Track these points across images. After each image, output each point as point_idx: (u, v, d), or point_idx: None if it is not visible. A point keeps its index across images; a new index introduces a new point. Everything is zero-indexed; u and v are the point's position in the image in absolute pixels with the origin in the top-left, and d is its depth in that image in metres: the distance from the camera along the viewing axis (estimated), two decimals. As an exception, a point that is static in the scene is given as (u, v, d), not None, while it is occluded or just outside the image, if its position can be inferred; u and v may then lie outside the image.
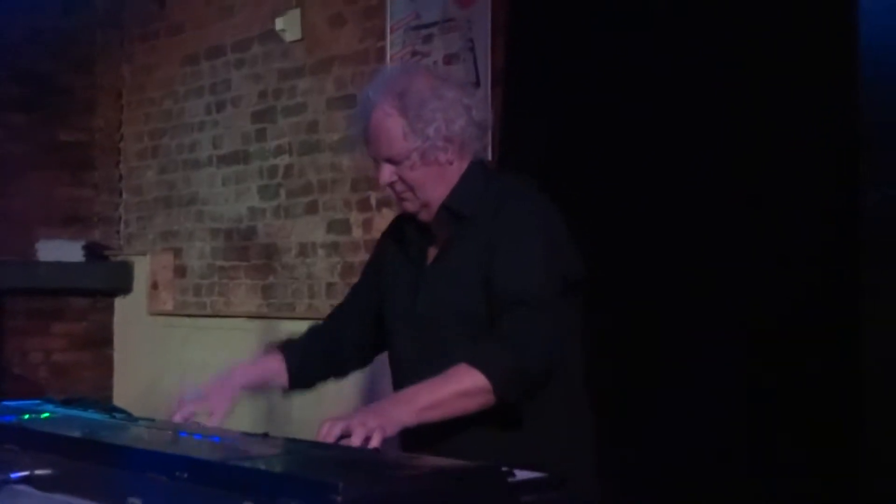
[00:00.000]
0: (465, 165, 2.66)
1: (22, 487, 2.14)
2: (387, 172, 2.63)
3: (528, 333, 2.45)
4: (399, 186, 2.64)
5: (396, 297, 2.74)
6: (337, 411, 2.53)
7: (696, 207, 3.85)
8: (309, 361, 2.86)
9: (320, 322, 2.99)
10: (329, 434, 2.28)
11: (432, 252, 2.71)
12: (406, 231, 2.79)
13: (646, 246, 3.95)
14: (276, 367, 2.84)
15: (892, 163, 3.37)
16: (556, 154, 4.17)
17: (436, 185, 2.63)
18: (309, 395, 3.20)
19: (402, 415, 2.38)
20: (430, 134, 2.57)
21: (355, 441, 2.24)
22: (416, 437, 2.49)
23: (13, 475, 2.14)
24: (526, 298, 2.47)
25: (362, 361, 2.97)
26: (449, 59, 4.83)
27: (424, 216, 2.68)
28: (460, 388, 2.41)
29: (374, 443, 2.25)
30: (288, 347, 2.89)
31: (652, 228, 3.95)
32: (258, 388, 2.83)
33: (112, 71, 7.00)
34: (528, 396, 2.48)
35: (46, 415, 2.59)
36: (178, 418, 2.67)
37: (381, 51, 5.20)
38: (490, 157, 4.44)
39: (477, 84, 4.61)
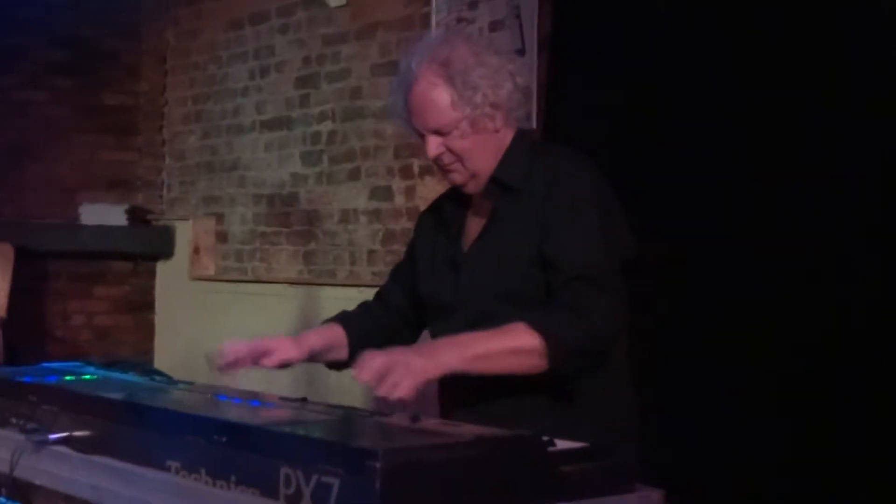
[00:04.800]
0: (510, 134, 2.62)
1: (61, 448, 2.14)
2: (434, 144, 2.58)
3: (591, 309, 2.39)
4: (447, 158, 2.59)
5: (437, 277, 2.71)
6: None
7: (741, 176, 3.81)
8: (366, 335, 2.80)
9: (371, 300, 2.94)
10: (367, 369, 2.24)
11: (473, 229, 2.66)
12: (445, 209, 2.75)
13: (691, 219, 3.91)
14: (339, 337, 2.79)
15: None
16: (601, 123, 4.12)
17: (484, 153, 2.58)
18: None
19: (452, 358, 2.33)
20: (478, 101, 2.52)
21: (389, 379, 2.21)
22: (453, 402, 2.46)
23: (52, 436, 2.15)
24: (588, 273, 2.42)
25: (413, 338, 2.92)
26: (494, 26, 4.79)
27: (472, 188, 2.63)
28: (515, 345, 2.36)
29: (405, 388, 2.22)
30: (346, 320, 2.83)
31: (695, 201, 3.91)
32: (322, 354, 2.78)
33: (156, 35, 7.02)
34: (584, 371, 2.44)
35: (87, 377, 2.59)
36: (241, 352, 2.60)
37: (426, 17, 5.17)
38: (535, 125, 4.41)
39: (522, 51, 4.57)
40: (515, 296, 2.51)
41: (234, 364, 2.60)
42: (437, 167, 2.66)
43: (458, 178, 2.62)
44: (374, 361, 2.26)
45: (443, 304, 2.65)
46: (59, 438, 2.15)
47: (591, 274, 2.42)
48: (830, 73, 3.59)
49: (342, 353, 2.78)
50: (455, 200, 2.71)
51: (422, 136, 2.60)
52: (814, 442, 3.55)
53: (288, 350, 2.65)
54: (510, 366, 2.37)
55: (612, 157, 3.57)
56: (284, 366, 2.67)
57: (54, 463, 2.15)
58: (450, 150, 2.56)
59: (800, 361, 3.63)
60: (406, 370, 2.24)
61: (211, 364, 2.62)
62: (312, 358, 2.73)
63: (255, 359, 2.63)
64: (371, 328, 2.82)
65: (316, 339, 2.75)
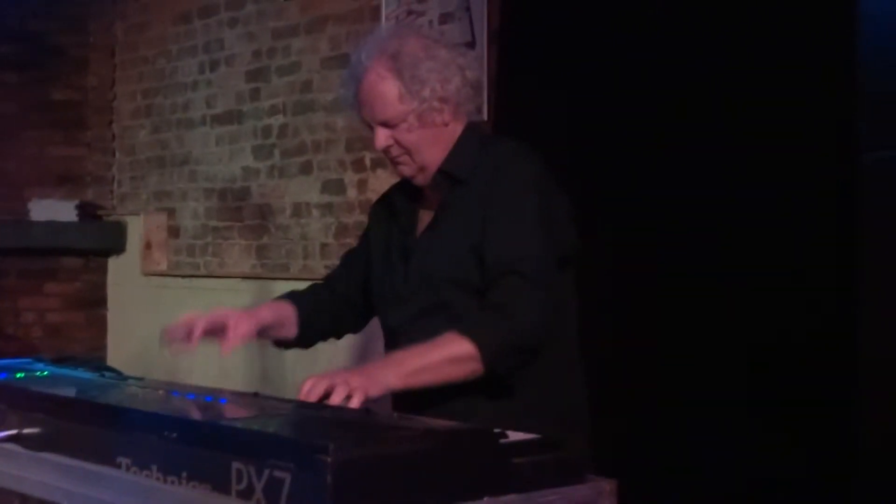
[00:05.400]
0: (460, 127, 2.63)
1: (9, 446, 2.13)
2: (382, 136, 2.59)
3: (521, 304, 2.42)
4: (395, 150, 2.61)
5: (388, 266, 2.72)
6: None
7: (690, 168, 3.83)
8: (315, 315, 2.83)
9: (319, 283, 2.96)
10: (312, 392, 2.26)
11: (424, 219, 2.68)
12: (396, 200, 2.76)
13: (640, 215, 3.93)
14: (289, 314, 2.80)
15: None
16: (552, 116, 4.14)
17: (432, 147, 2.59)
18: (303, 357, 3.18)
19: (389, 377, 2.36)
20: (426, 95, 2.54)
21: (335, 399, 2.22)
22: (407, 403, 2.47)
23: (0, 434, 2.13)
24: (519, 268, 2.44)
25: (357, 325, 2.95)
26: (444, 19, 4.79)
27: (420, 180, 2.64)
28: (449, 354, 2.39)
29: (355, 403, 2.23)
30: (296, 298, 2.85)
31: (648, 195, 3.93)
32: (273, 329, 2.78)
33: (104, 29, 6.96)
34: (517, 367, 2.46)
35: (38, 374, 2.57)
36: (202, 327, 2.59)
37: (376, 9, 5.16)
38: (485, 118, 4.41)
39: (472, 44, 4.57)
40: (465, 284, 2.53)
41: (189, 339, 2.59)
42: (387, 158, 2.68)
43: (406, 170, 2.63)
44: (317, 387, 2.27)
45: (395, 293, 2.67)
46: (7, 436, 2.13)
47: (521, 267, 2.44)
48: (788, 71, 3.61)
49: (291, 331, 2.80)
50: (406, 191, 2.73)
51: (371, 128, 2.61)
52: (767, 432, 3.58)
53: (240, 325, 2.63)
54: (449, 375, 2.40)
55: (562, 151, 3.59)
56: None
57: (3, 461, 2.13)
58: (398, 143, 2.58)
59: (754, 352, 3.67)
60: (348, 388, 2.26)
61: (165, 342, 2.61)
62: (262, 333, 2.73)
63: (210, 333, 2.61)
64: (320, 309, 2.84)
65: (267, 313, 2.76)
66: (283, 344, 2.86)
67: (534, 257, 2.46)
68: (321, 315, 2.84)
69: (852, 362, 3.21)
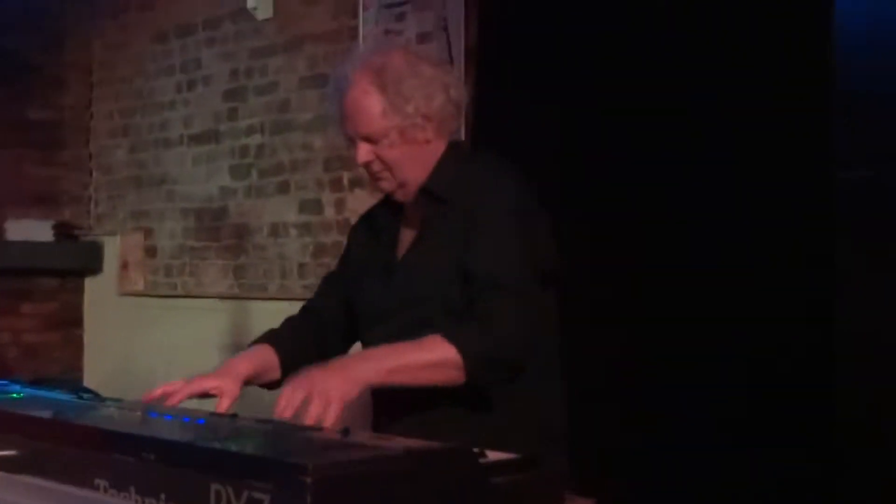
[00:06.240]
0: (441, 145, 2.63)
1: (-14, 469, 2.12)
2: (363, 151, 2.59)
3: (504, 319, 2.41)
4: (376, 166, 2.60)
5: (370, 284, 2.71)
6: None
7: (670, 184, 3.85)
8: (298, 352, 2.79)
9: (296, 314, 2.93)
10: (287, 408, 2.25)
11: (406, 238, 2.68)
12: (378, 218, 2.76)
13: (621, 230, 3.94)
14: (270, 360, 2.76)
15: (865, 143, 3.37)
16: (529, 133, 4.15)
17: (413, 164, 2.59)
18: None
19: (368, 373, 2.35)
20: (410, 111, 2.54)
21: (312, 412, 2.21)
22: (386, 410, 2.46)
23: (-23, 456, 2.11)
24: (501, 283, 2.44)
25: (344, 348, 2.92)
26: (422, 38, 4.80)
27: (401, 196, 2.64)
28: (431, 357, 2.38)
29: (331, 417, 2.22)
30: (276, 340, 2.81)
31: (627, 211, 3.94)
32: (255, 380, 2.75)
33: (81, 48, 6.94)
34: (497, 381, 2.46)
35: (14, 395, 2.56)
36: (184, 394, 2.57)
37: (354, 29, 5.17)
38: (462, 137, 4.42)
39: (450, 62, 4.58)
40: (447, 304, 2.52)
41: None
42: (368, 174, 2.67)
43: (386, 185, 2.63)
44: (292, 397, 2.26)
45: (376, 312, 2.66)
46: (-16, 459, 2.11)
47: (503, 283, 2.44)
48: (766, 93, 3.64)
49: (275, 375, 2.76)
50: (388, 209, 2.72)
51: (353, 143, 2.61)
52: (751, 449, 3.59)
53: (226, 393, 2.61)
54: (429, 378, 2.39)
55: (540, 168, 3.59)
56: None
57: (-20, 484, 2.11)
58: (379, 159, 2.58)
59: (738, 370, 3.68)
60: (325, 398, 2.25)
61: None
62: (246, 384, 2.71)
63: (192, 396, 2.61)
64: (301, 344, 2.81)
65: (247, 366, 2.72)
66: (270, 386, 2.82)
67: (516, 273, 2.46)
68: (304, 349, 2.80)
69: (830, 380, 3.23)
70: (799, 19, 3.55)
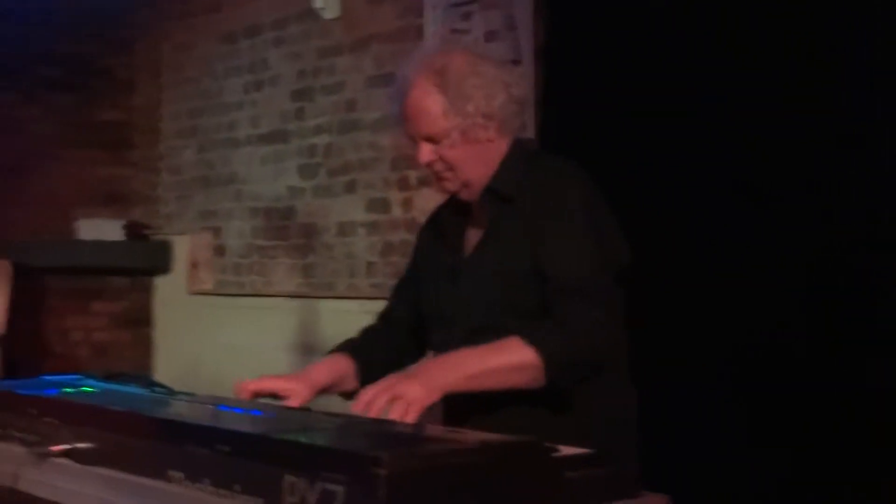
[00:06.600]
0: (505, 144, 2.62)
1: (62, 461, 2.13)
2: (426, 151, 2.58)
3: (586, 322, 2.39)
4: (438, 166, 2.59)
5: (436, 286, 2.70)
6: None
7: (741, 184, 3.81)
8: (375, 362, 2.78)
9: (372, 323, 2.92)
10: (371, 409, 2.25)
11: (472, 239, 2.67)
12: (443, 219, 2.75)
13: (685, 229, 3.92)
14: (347, 370, 2.75)
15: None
16: (598, 131, 4.13)
17: (476, 163, 2.58)
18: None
19: (448, 380, 2.33)
20: (470, 111, 2.52)
21: (393, 415, 2.22)
22: (459, 409, 2.46)
23: (54, 448, 2.14)
24: (581, 286, 2.41)
25: (422, 353, 2.90)
26: (489, 37, 4.79)
27: (465, 196, 2.63)
28: (512, 360, 2.36)
29: (411, 418, 2.22)
30: (354, 350, 2.79)
31: (694, 211, 3.91)
32: (331, 388, 2.75)
33: (150, 50, 7.02)
34: (577, 382, 2.44)
35: (86, 389, 2.58)
36: (256, 389, 2.55)
37: (420, 28, 5.17)
38: (532, 135, 4.41)
39: (518, 61, 4.57)
40: (513, 307, 2.50)
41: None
42: (431, 174, 2.67)
43: (449, 185, 2.62)
44: (373, 404, 2.26)
45: (443, 314, 2.65)
46: (60, 451, 2.14)
47: (578, 286, 2.42)
48: (831, 88, 3.60)
49: (352, 384, 2.73)
50: (454, 209, 2.71)
51: (416, 143, 2.61)
52: (817, 446, 3.55)
53: (299, 395, 2.59)
54: (509, 381, 2.37)
55: (608, 166, 3.57)
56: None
57: (57, 475, 2.14)
58: (441, 159, 2.57)
59: (801, 367, 3.64)
60: (405, 405, 2.24)
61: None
62: (321, 392, 2.71)
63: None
64: (379, 354, 2.80)
65: (324, 374, 2.70)
66: (348, 395, 2.81)
67: (589, 275, 2.44)
68: (381, 358, 2.77)
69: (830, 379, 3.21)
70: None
